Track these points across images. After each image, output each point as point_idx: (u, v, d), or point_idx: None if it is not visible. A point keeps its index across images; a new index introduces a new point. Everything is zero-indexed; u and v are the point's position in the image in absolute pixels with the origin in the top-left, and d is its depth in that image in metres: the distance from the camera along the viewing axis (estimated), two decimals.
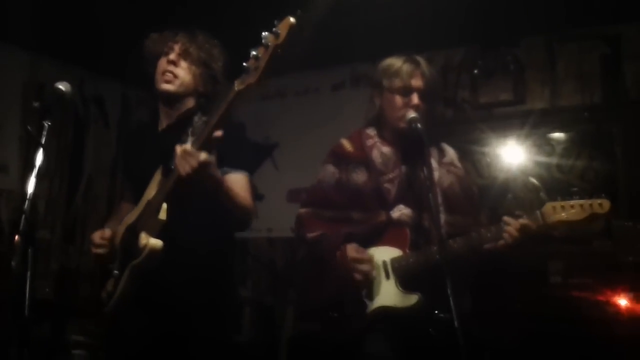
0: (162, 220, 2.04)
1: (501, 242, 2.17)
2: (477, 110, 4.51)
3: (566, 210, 2.12)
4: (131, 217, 2.28)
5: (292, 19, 1.79)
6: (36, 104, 2.08)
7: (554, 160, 4.17)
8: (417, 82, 2.33)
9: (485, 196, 4.30)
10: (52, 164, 5.03)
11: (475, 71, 4.47)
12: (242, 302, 4.53)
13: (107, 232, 2.32)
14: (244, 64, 1.87)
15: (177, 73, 2.28)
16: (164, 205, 2.04)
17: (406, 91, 2.33)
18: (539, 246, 3.48)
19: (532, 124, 4.19)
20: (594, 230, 3.78)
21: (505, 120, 4.35)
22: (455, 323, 1.90)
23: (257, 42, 1.83)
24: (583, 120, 4.10)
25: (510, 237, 2.14)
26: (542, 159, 4.22)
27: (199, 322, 2.17)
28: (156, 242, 2.04)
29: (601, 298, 3.21)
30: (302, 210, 2.52)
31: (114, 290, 2.19)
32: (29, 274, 1.88)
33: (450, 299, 1.91)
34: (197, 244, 2.21)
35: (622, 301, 3.14)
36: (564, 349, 3.09)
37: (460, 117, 4.54)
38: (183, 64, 2.29)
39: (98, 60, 4.76)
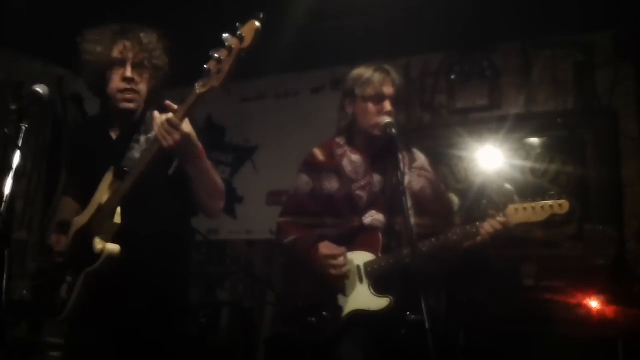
0: (117, 223, 2.02)
1: (468, 242, 2.27)
2: (453, 115, 4.57)
3: (527, 212, 2.27)
4: (80, 219, 2.21)
5: (257, 23, 1.76)
6: (13, 107, 2.07)
7: (528, 164, 4.24)
8: (388, 90, 2.41)
9: (462, 199, 4.37)
10: (30, 163, 5.00)
11: (452, 76, 4.53)
12: (219, 304, 4.54)
13: (63, 238, 2.27)
14: (204, 65, 1.82)
15: (137, 89, 2.21)
16: (118, 209, 2.02)
17: (378, 98, 2.40)
18: (512, 249, 3.55)
19: (507, 128, 4.25)
20: (565, 234, 3.87)
21: (481, 125, 4.41)
22: (427, 324, 1.95)
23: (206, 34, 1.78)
24: (556, 125, 4.18)
25: (481, 237, 2.26)
26: (517, 163, 4.29)
27: (155, 322, 2.14)
28: (113, 247, 2.02)
29: (572, 300, 3.27)
30: (281, 219, 2.61)
31: (67, 296, 2.14)
32: (4, 275, 1.88)
33: (422, 300, 1.97)
34: (152, 243, 2.17)
35: (593, 303, 3.21)
36: (535, 350, 3.15)
37: (437, 122, 4.60)
38: (139, 77, 2.21)
39: (77, 58, 4.73)
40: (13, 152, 2.01)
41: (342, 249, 2.35)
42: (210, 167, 2.14)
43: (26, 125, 2.06)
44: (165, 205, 2.20)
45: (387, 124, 2.33)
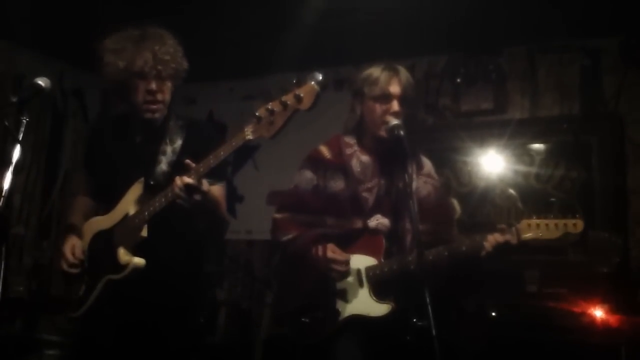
0: (143, 236, 2.09)
1: (477, 254, 2.23)
2: (458, 118, 4.54)
3: (540, 228, 2.21)
4: (102, 222, 2.28)
5: (316, 87, 1.84)
6: (14, 99, 2.04)
7: (532, 170, 4.21)
8: (395, 89, 2.36)
9: (465, 204, 4.33)
10: (29, 158, 4.96)
11: (458, 80, 4.50)
12: (217, 304, 4.51)
13: (78, 249, 2.30)
14: (257, 113, 1.90)
15: (161, 99, 2.26)
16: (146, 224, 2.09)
17: (386, 98, 2.35)
18: (516, 255, 3.51)
19: (512, 133, 4.23)
20: (570, 241, 3.83)
21: (486, 129, 4.38)
22: (433, 331, 1.91)
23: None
24: (562, 131, 4.15)
25: (485, 251, 2.21)
26: (521, 168, 4.26)
27: (169, 334, 2.21)
28: (139, 261, 2.10)
29: (575, 308, 3.24)
30: (278, 215, 2.52)
31: (85, 297, 2.21)
32: (1, 271, 1.85)
33: (429, 306, 1.93)
34: (174, 256, 2.25)
35: (597, 312, 3.17)
36: (539, 358, 3.12)
37: (442, 125, 4.57)
38: (162, 87, 2.25)
39: (78, 53, 4.70)
40: (13, 146, 1.98)
41: (348, 256, 2.31)
42: (221, 205, 2.26)
43: (27, 119, 2.03)
44: (189, 224, 2.24)
45: (395, 127, 2.28)
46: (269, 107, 1.86)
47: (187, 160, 2.02)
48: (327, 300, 2.31)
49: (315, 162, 2.50)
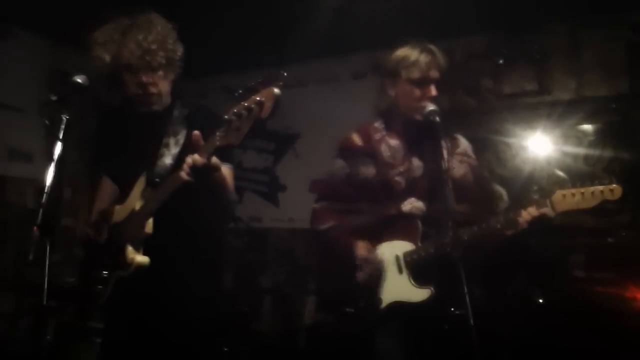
0: (148, 233, 2.09)
1: (511, 231, 2.15)
2: (501, 100, 4.43)
3: (576, 198, 2.11)
4: (118, 213, 2.26)
5: (276, 90, 1.72)
6: (53, 97, 2.09)
7: (581, 151, 4.10)
8: (434, 73, 2.32)
9: (509, 189, 4.24)
10: (76, 152, 5.09)
11: (501, 61, 4.38)
12: (261, 292, 4.56)
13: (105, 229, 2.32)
14: (225, 116, 1.80)
15: (155, 91, 2.20)
16: (150, 220, 2.09)
17: (424, 82, 2.31)
18: (561, 238, 3.43)
19: (558, 115, 4.12)
20: (618, 223, 3.71)
21: (530, 111, 4.27)
22: (471, 320, 1.88)
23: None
24: (610, 110, 4.01)
25: (520, 227, 2.13)
26: (569, 150, 4.15)
27: (177, 323, 2.20)
28: (143, 260, 2.10)
29: (624, 292, 3.15)
30: (316, 205, 2.55)
31: (104, 290, 2.22)
32: (47, 263, 1.91)
33: (465, 293, 1.90)
34: (181, 249, 2.22)
35: None
36: (586, 344, 3.04)
37: (484, 107, 4.47)
38: (155, 78, 2.18)
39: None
40: (55, 142, 2.04)
41: (378, 257, 2.30)
42: (227, 184, 2.18)
43: (67, 116, 2.08)
44: (195, 217, 2.22)
45: (432, 112, 2.24)
46: (236, 111, 1.77)
47: (195, 133, 1.92)
48: (369, 288, 2.30)
49: (346, 150, 2.50)
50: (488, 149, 4.32)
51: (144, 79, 2.16)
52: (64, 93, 2.10)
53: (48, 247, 1.92)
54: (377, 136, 2.45)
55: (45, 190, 1.94)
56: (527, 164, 4.28)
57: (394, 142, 2.42)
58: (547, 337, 3.08)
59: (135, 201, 2.17)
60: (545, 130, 4.20)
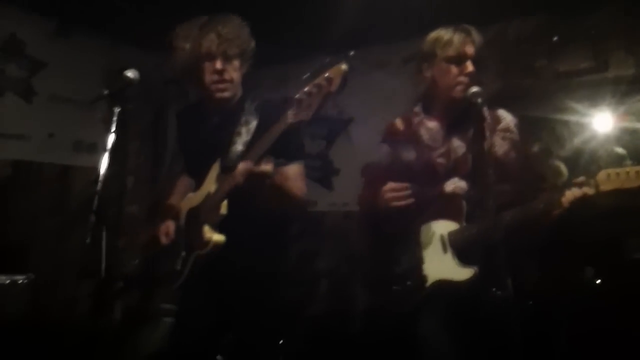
0: (223, 214, 2.20)
1: (556, 211, 2.11)
2: (556, 80, 4.32)
3: (621, 177, 2.03)
4: (193, 199, 2.42)
5: (344, 67, 1.85)
6: (105, 92, 2.22)
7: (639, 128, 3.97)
8: (470, 50, 2.32)
9: (568, 168, 4.15)
10: (138, 143, 5.33)
11: (555, 38, 4.26)
12: (317, 276, 4.64)
13: (172, 230, 2.46)
14: (296, 96, 1.94)
15: (229, 78, 2.34)
16: (225, 201, 2.20)
17: (460, 59, 2.32)
18: (617, 219, 3.33)
19: (616, 92, 3.99)
20: None
21: (587, 89, 4.16)
22: (512, 301, 1.88)
23: None
24: None
25: (562, 208, 2.09)
26: (629, 126, 4.02)
27: (251, 300, 2.32)
28: (219, 238, 2.21)
29: None
30: (363, 192, 2.60)
31: (182, 269, 2.36)
32: (103, 249, 2.05)
33: (507, 275, 1.90)
34: (254, 232, 2.33)
35: None
36: None
37: (539, 87, 4.37)
38: (229, 67, 2.33)
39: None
40: (108, 135, 2.17)
41: (405, 184, 2.33)
42: (288, 186, 2.27)
43: (119, 109, 2.21)
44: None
45: (475, 94, 2.22)
46: (306, 90, 1.90)
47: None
48: (415, 267, 2.34)
49: (389, 135, 2.55)
50: (545, 129, 4.24)
51: (221, 66, 2.30)
52: (116, 87, 2.23)
53: (104, 232, 2.06)
54: (416, 120, 2.48)
55: (100, 179, 2.07)
56: (585, 142, 4.17)
57: (432, 124, 2.44)
58: (601, 320, 3.02)
59: (210, 185, 2.32)
60: (603, 107, 4.08)
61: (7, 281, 3.75)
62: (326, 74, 1.87)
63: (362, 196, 2.59)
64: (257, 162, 2.08)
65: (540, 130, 4.20)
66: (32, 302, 3.80)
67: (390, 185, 2.34)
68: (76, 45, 4.91)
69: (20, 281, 3.82)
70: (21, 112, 4.63)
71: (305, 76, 1.94)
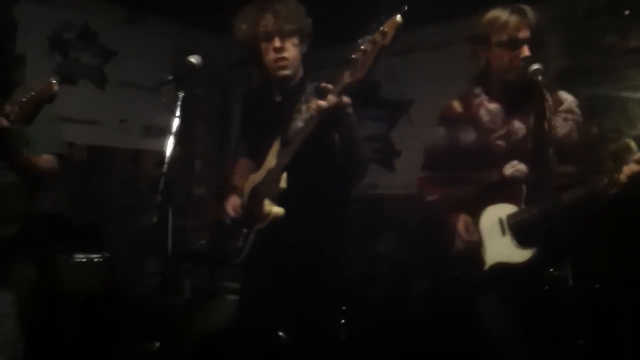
0: (283, 187, 2.24)
1: (613, 190, 2.08)
2: (628, 56, 4.14)
3: None
4: (255, 177, 2.48)
5: (398, 18, 1.84)
6: (170, 77, 2.31)
7: None
8: (524, 34, 2.26)
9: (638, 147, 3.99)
10: (206, 127, 5.49)
11: (626, 12, 4.08)
12: (377, 256, 4.66)
13: (237, 206, 2.53)
14: (352, 55, 1.95)
15: (288, 56, 2.36)
16: (284, 174, 2.24)
17: (515, 44, 2.27)
18: None
19: None
20: None
21: None
22: (570, 281, 1.87)
23: None
24: None
25: (621, 183, 2.06)
26: None
27: (310, 274, 2.35)
28: (278, 210, 2.26)
29: None
30: (421, 175, 2.61)
31: (243, 246, 2.42)
32: (169, 230, 2.15)
33: (566, 255, 1.88)
34: (313, 207, 2.35)
35: None
36: None
37: (609, 64, 4.20)
38: (287, 44, 2.35)
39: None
40: (173, 118, 2.27)
41: (477, 237, 2.34)
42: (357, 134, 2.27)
43: (183, 94, 2.29)
44: (325, 172, 2.34)
45: (535, 72, 2.18)
46: (362, 47, 1.90)
47: (323, 84, 2.09)
48: (473, 251, 2.34)
49: (446, 117, 2.52)
50: (614, 108, 4.08)
51: (279, 43, 2.34)
52: (179, 72, 2.32)
53: (170, 213, 2.16)
54: (476, 102, 2.44)
55: (165, 161, 2.17)
56: None
57: (492, 105, 2.40)
58: None
59: (271, 161, 2.38)
60: None
61: (84, 259, 3.99)
62: (380, 28, 1.86)
63: (425, 190, 2.58)
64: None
65: (610, 110, 4.05)
66: (106, 279, 4.02)
67: (462, 231, 2.36)
68: (145, 31, 5.11)
69: (96, 259, 4.05)
70: (94, 98, 4.88)
71: (361, 38, 1.94)
